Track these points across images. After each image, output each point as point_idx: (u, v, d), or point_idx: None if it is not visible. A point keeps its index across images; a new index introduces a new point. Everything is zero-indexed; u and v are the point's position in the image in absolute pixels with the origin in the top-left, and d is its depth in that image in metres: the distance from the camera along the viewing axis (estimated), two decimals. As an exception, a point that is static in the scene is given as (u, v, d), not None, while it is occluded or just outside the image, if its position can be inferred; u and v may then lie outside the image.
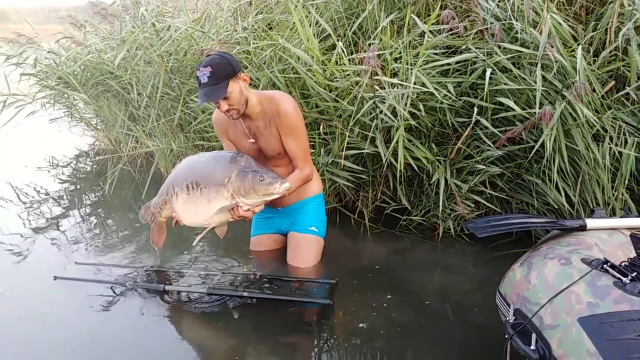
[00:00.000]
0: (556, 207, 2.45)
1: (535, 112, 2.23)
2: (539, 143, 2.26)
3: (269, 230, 2.51)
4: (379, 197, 2.87)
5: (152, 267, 2.37)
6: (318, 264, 2.39)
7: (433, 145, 2.58)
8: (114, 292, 2.17)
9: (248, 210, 1.99)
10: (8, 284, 2.29)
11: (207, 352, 1.85)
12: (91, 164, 4.58)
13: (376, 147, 2.53)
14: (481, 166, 2.51)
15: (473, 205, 2.61)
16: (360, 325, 1.93)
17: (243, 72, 2.09)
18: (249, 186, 1.93)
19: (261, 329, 1.93)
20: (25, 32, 4.62)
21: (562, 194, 2.38)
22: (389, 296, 2.13)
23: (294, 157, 2.23)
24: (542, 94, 2.25)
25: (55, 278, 2.26)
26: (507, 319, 1.46)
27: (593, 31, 2.46)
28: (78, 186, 3.93)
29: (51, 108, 4.51)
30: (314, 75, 2.58)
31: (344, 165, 2.62)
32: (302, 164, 2.23)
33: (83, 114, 4.70)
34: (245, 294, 2.07)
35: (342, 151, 2.57)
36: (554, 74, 2.30)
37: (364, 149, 2.56)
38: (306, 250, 2.37)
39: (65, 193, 3.72)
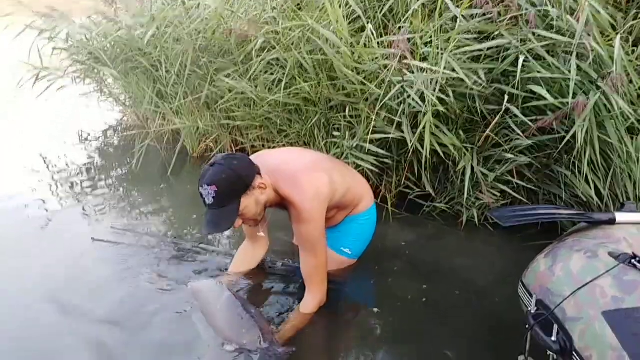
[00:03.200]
0: (585, 200, 2.40)
1: (568, 102, 2.18)
2: (570, 134, 2.21)
3: None
4: (402, 183, 2.86)
5: (175, 238, 2.47)
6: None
7: (461, 132, 2.54)
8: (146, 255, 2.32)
9: None
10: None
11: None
12: (119, 139, 4.66)
13: (402, 132, 2.51)
14: (509, 155, 2.47)
15: (499, 194, 2.57)
16: (378, 309, 1.94)
17: (258, 177, 1.72)
18: None
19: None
20: (58, 6, 4.68)
21: (592, 186, 2.33)
22: (409, 282, 2.13)
23: (305, 273, 1.86)
24: (576, 83, 2.18)
25: (94, 240, 2.46)
26: (529, 309, 1.45)
27: (633, 20, 2.37)
28: (105, 161, 4.01)
29: (81, 83, 4.58)
30: (342, 57, 2.56)
31: (368, 150, 2.61)
32: (314, 286, 1.84)
33: (112, 89, 4.77)
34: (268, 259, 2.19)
35: (368, 135, 2.56)
36: (590, 63, 2.23)
37: (390, 133, 2.54)
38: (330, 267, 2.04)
39: (93, 167, 3.80)
